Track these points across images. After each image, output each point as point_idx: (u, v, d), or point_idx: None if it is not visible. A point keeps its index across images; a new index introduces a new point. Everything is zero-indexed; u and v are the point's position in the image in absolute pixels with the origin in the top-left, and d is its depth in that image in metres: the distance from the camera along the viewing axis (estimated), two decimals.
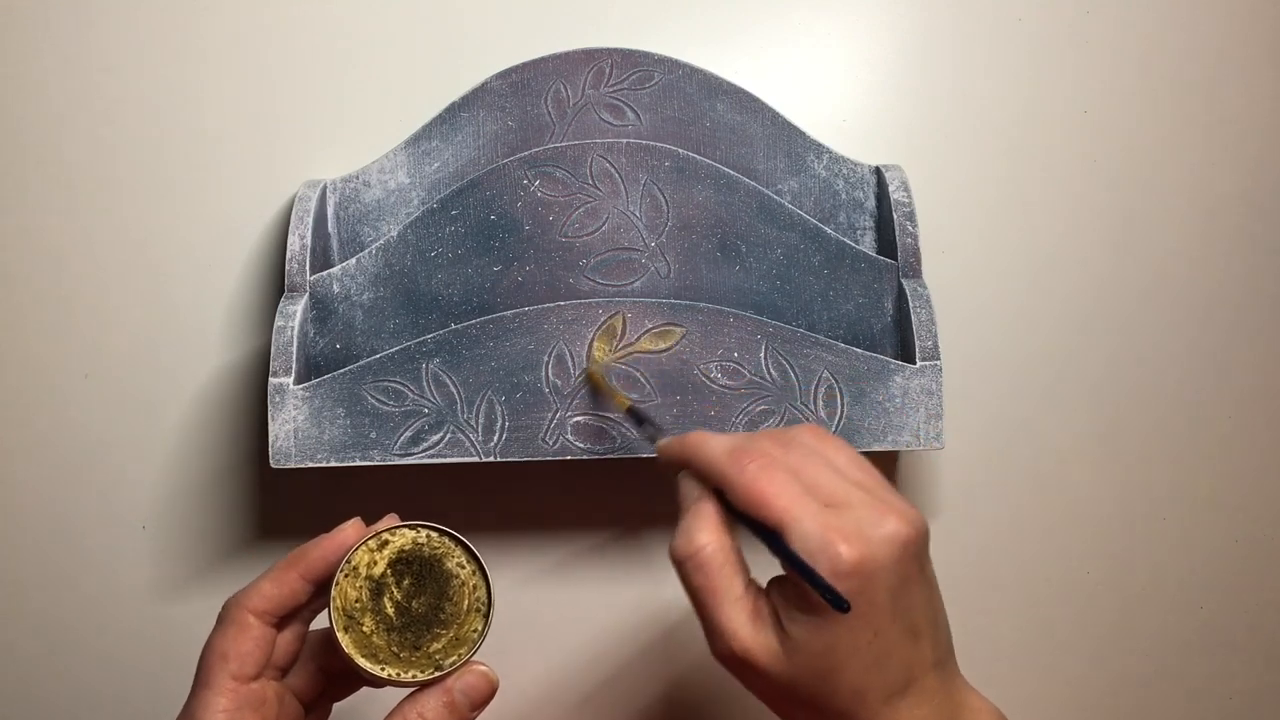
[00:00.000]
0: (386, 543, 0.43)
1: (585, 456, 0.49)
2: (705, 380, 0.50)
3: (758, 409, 0.50)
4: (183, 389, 0.56)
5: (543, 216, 0.52)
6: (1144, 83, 0.59)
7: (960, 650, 0.41)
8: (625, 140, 0.53)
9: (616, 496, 0.56)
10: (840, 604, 0.36)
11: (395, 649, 0.42)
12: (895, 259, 0.53)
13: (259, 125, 0.57)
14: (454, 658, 0.42)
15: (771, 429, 0.46)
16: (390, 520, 0.44)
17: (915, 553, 0.38)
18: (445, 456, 0.49)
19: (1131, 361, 0.58)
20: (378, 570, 0.42)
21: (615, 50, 0.55)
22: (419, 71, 0.57)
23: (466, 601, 0.42)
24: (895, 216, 0.53)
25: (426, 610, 0.42)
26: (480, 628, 0.42)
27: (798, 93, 0.58)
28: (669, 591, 0.56)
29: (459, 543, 0.43)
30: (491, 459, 0.49)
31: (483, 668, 0.42)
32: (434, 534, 0.43)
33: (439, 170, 0.55)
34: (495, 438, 0.49)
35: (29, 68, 0.56)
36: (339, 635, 0.41)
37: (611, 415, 0.49)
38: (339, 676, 0.44)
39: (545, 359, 0.49)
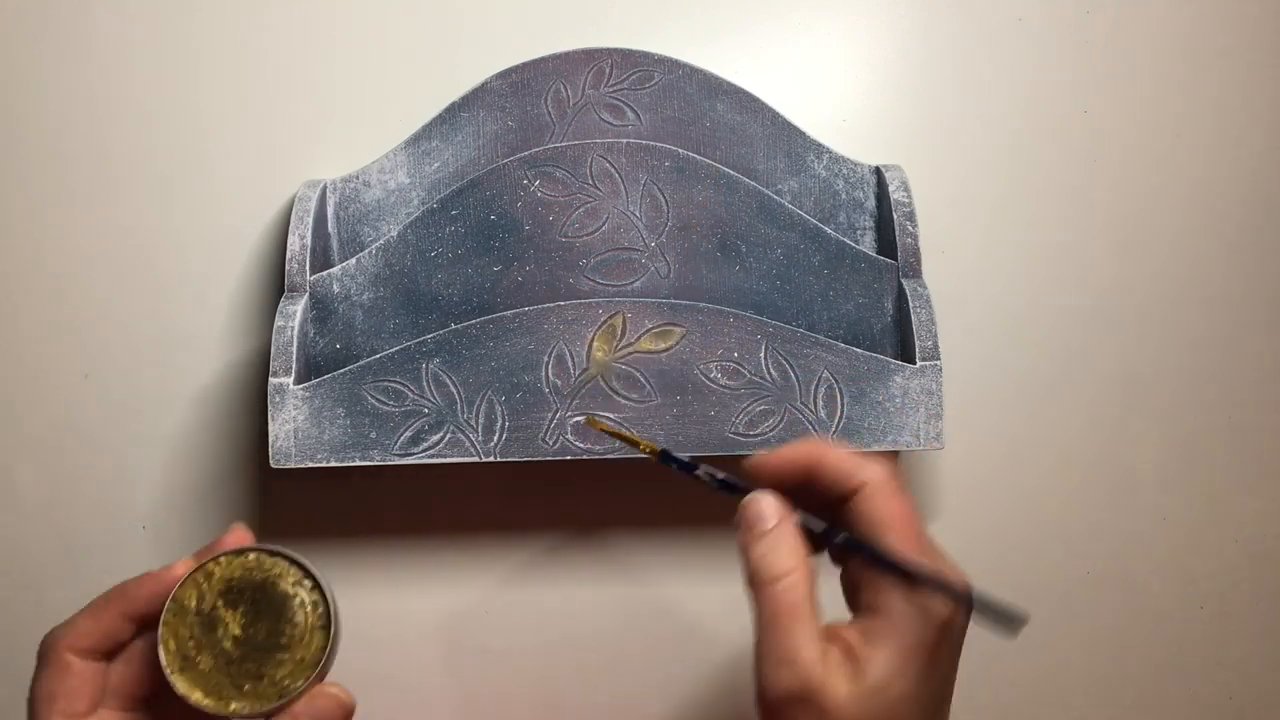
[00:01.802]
0: (212, 574, 0.41)
1: (585, 456, 0.49)
2: (705, 380, 0.50)
3: (758, 409, 0.50)
4: (183, 389, 0.56)
5: (543, 216, 0.52)
6: (1144, 83, 0.59)
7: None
8: (625, 140, 0.53)
9: (616, 496, 0.56)
10: (1016, 620, 0.35)
11: (238, 682, 0.40)
12: (895, 259, 0.53)
13: (259, 125, 0.57)
14: (299, 681, 0.40)
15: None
16: (235, 537, 0.42)
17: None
18: (445, 456, 0.49)
19: (1131, 361, 0.58)
20: (208, 604, 0.40)
21: (615, 50, 0.55)
22: (419, 71, 0.57)
23: (308, 620, 0.41)
24: (895, 216, 0.53)
25: (265, 636, 0.40)
26: (324, 644, 0.40)
27: (798, 93, 0.58)
28: (670, 593, 0.56)
29: (293, 562, 0.41)
30: (491, 459, 0.49)
31: (333, 689, 0.40)
32: (264, 556, 0.41)
33: (439, 170, 0.55)
34: (495, 438, 0.49)
35: (29, 68, 0.56)
36: (173, 679, 0.39)
37: (611, 416, 0.49)
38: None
39: (545, 359, 0.49)
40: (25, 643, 0.56)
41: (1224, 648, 0.58)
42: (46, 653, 0.40)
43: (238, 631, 0.40)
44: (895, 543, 0.36)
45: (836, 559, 0.40)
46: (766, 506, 0.38)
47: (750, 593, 0.37)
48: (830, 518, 0.38)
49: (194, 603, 0.40)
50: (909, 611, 0.35)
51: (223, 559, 0.41)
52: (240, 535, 0.42)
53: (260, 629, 0.40)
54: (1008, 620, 0.35)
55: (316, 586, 0.41)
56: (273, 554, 0.41)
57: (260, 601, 0.41)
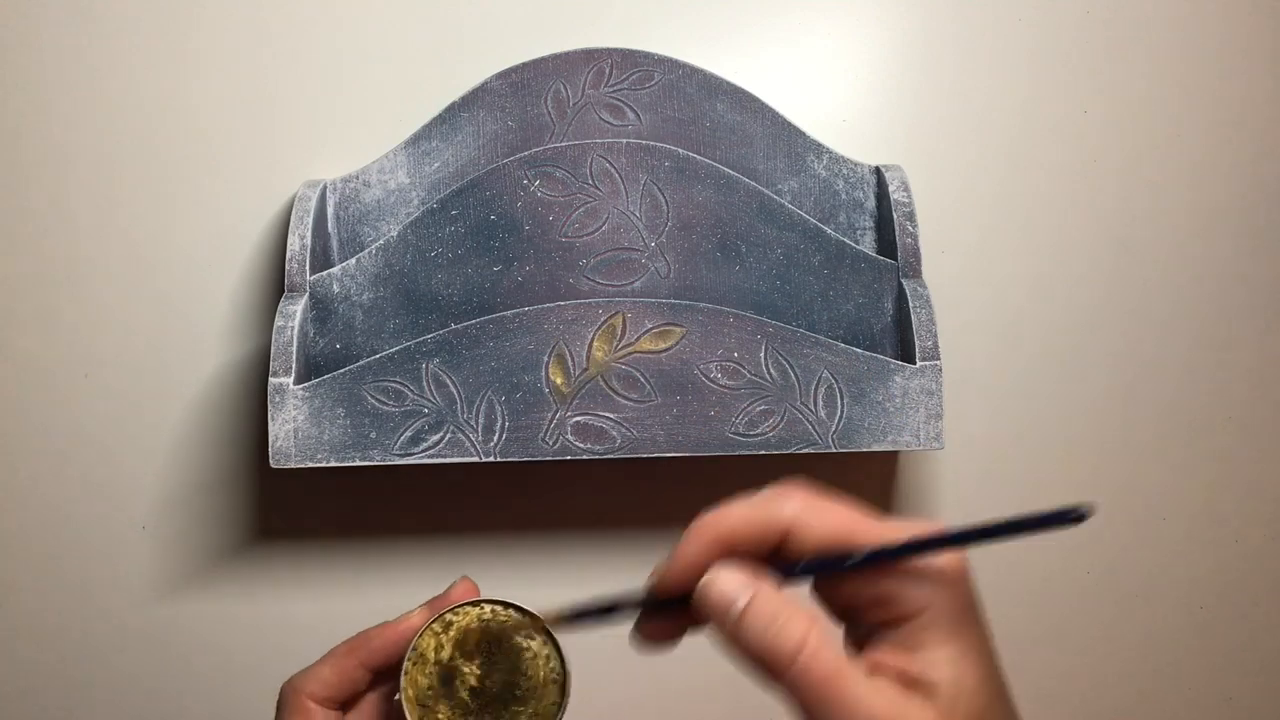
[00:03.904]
0: (451, 624, 0.41)
1: (585, 456, 0.49)
2: (705, 380, 0.50)
3: (758, 409, 0.50)
4: (183, 389, 0.56)
5: (543, 216, 0.52)
6: (1144, 83, 0.59)
7: None
8: (625, 140, 0.53)
9: (617, 497, 0.56)
10: (1078, 514, 0.30)
11: None
12: (895, 259, 0.53)
13: (259, 125, 0.57)
14: None
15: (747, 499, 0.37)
16: (463, 589, 0.43)
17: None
18: (445, 456, 0.49)
19: (1131, 361, 0.58)
20: (446, 654, 0.41)
21: (615, 50, 0.55)
22: (419, 71, 0.57)
23: (541, 673, 0.41)
24: (895, 216, 0.53)
25: (501, 688, 0.41)
26: (558, 699, 0.41)
27: (798, 93, 0.58)
28: None
29: (525, 613, 0.41)
30: (491, 459, 0.49)
31: None
32: (498, 608, 0.42)
33: (439, 170, 0.55)
34: (495, 438, 0.49)
35: (29, 68, 0.56)
36: None
37: (611, 415, 0.49)
38: None
39: (545, 359, 0.49)
40: (26, 642, 0.56)
41: (1223, 648, 0.58)
42: (288, 700, 0.41)
43: (474, 682, 0.41)
44: (864, 538, 0.32)
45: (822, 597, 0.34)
46: (728, 583, 0.32)
47: (770, 683, 0.31)
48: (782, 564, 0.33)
49: (433, 653, 0.41)
50: (930, 591, 0.32)
51: (460, 610, 0.42)
52: (469, 587, 0.43)
53: (496, 680, 0.41)
54: (1037, 524, 0.31)
55: (550, 640, 0.42)
56: (506, 605, 0.42)
57: (495, 653, 0.41)
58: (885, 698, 0.30)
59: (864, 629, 0.32)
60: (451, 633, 0.41)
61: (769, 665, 0.31)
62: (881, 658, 0.32)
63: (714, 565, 0.32)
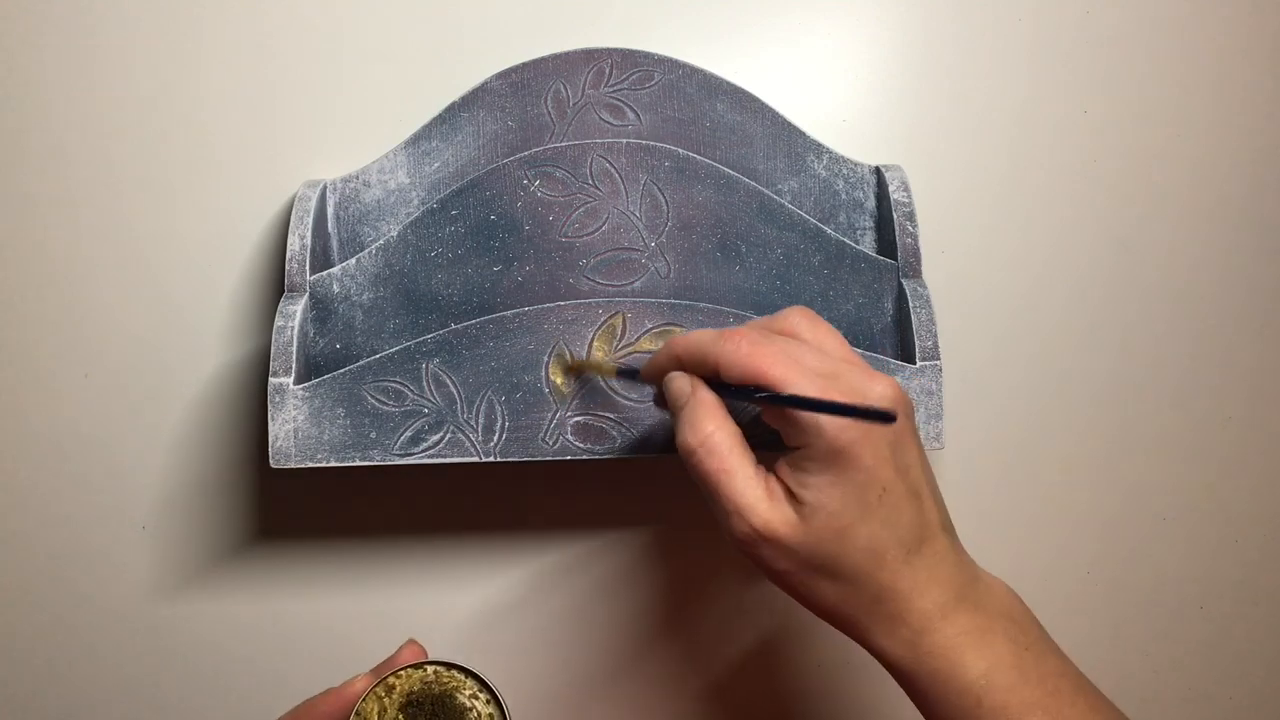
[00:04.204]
0: (394, 687, 0.42)
1: (585, 456, 0.49)
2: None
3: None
4: (183, 389, 0.56)
5: (543, 216, 0.52)
6: (1144, 83, 0.59)
7: None
8: (625, 140, 0.53)
9: (617, 497, 0.56)
10: (885, 416, 0.37)
11: None
12: (895, 259, 0.53)
13: (259, 125, 0.57)
14: None
15: (763, 317, 0.45)
16: (409, 652, 0.44)
17: (908, 412, 0.40)
18: (445, 456, 0.49)
19: (1131, 361, 0.58)
20: (389, 717, 0.42)
21: (615, 50, 0.55)
22: (419, 71, 0.57)
23: None
24: (895, 216, 0.53)
25: None
26: None
27: (798, 93, 0.58)
28: (672, 592, 0.56)
29: (469, 674, 0.43)
30: (491, 459, 0.49)
31: None
32: (441, 669, 0.43)
33: (439, 170, 0.55)
34: (495, 438, 0.49)
35: (29, 68, 0.56)
36: None
37: (611, 415, 0.49)
38: None
39: (545, 359, 0.49)
40: (26, 642, 0.56)
41: (1224, 648, 0.58)
42: None
43: None
44: (762, 383, 0.39)
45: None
46: (680, 382, 0.42)
47: (686, 464, 0.40)
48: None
49: (375, 717, 0.42)
50: (809, 433, 0.38)
51: (402, 673, 0.43)
52: (415, 650, 0.44)
53: None
54: (878, 417, 0.37)
55: (493, 699, 0.43)
56: (449, 667, 0.43)
57: (438, 715, 0.42)
58: (758, 494, 0.39)
59: (785, 449, 0.40)
60: (394, 696, 0.42)
61: (680, 449, 0.40)
62: (780, 471, 0.40)
63: (673, 376, 0.42)
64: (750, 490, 0.39)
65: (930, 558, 0.40)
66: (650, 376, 0.45)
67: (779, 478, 0.40)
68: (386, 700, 0.42)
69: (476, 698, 0.42)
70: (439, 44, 0.57)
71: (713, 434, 0.40)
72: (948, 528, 0.41)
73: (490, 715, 0.42)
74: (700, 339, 0.41)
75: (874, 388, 0.39)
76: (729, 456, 0.40)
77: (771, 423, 0.41)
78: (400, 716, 0.42)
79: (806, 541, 0.39)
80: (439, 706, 0.42)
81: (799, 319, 0.42)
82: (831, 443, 0.38)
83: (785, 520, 0.39)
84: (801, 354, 0.40)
